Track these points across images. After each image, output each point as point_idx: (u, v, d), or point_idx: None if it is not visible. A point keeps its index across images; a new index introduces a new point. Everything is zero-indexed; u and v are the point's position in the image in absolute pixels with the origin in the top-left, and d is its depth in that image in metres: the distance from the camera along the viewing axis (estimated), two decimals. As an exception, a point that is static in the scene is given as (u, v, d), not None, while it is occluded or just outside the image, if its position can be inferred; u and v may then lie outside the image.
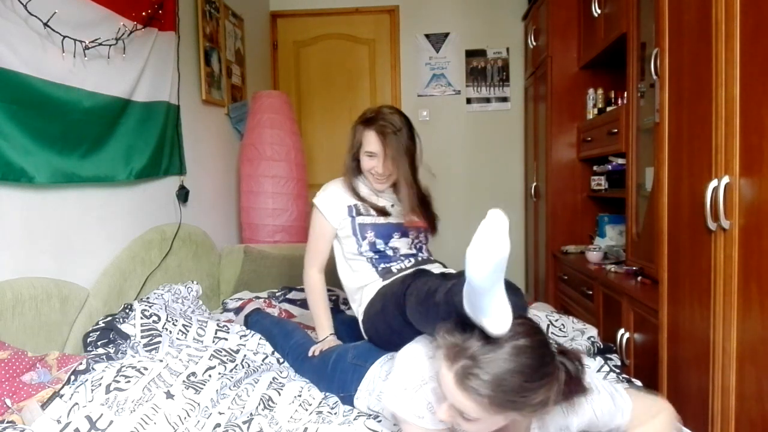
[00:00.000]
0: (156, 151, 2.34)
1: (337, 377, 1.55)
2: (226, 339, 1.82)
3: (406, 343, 1.30)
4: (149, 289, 2.14)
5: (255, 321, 2.01)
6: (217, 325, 1.87)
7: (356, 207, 1.80)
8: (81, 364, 1.43)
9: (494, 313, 0.95)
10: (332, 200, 1.83)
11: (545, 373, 0.96)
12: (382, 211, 1.79)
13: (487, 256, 0.93)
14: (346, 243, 1.81)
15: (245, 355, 1.65)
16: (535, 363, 0.95)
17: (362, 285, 1.77)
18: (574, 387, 1.00)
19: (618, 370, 1.68)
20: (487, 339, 0.96)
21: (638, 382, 1.58)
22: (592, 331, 1.98)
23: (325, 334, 1.78)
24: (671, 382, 1.72)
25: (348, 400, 1.50)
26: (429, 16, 4.26)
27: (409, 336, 1.32)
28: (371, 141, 1.76)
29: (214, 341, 1.80)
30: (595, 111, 3.04)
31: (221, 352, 1.59)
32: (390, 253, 1.79)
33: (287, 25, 4.37)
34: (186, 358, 1.50)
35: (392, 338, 1.49)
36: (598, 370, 1.63)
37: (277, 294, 2.60)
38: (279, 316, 2.28)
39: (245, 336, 1.84)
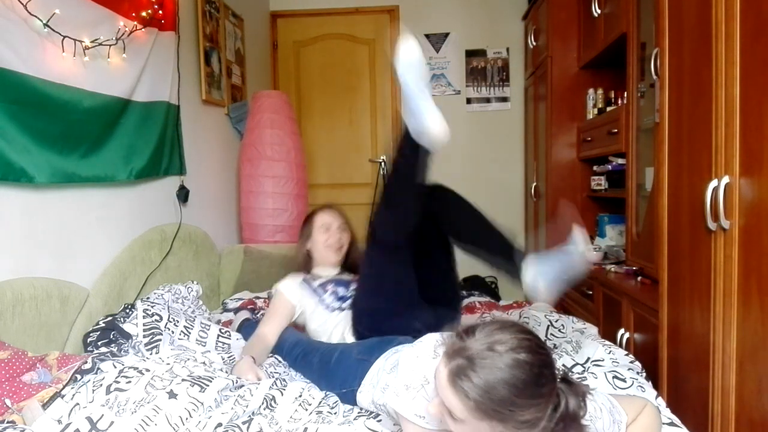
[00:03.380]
0: (156, 151, 2.34)
1: (341, 373, 1.55)
2: (229, 344, 1.82)
3: (401, 316, 1.54)
4: (149, 289, 2.14)
5: (246, 334, 1.98)
6: (219, 331, 1.88)
7: (306, 279, 2.02)
8: (86, 363, 1.43)
9: (428, 112, 1.35)
10: (292, 282, 2.02)
11: (538, 394, 0.94)
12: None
13: (406, 59, 1.40)
14: (311, 319, 1.94)
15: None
16: (530, 380, 0.93)
17: (329, 330, 1.89)
18: (569, 424, 0.97)
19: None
20: (488, 345, 0.95)
21: (651, 386, 1.56)
22: (593, 330, 1.98)
23: (247, 353, 1.68)
24: (671, 383, 1.72)
25: (350, 395, 1.50)
26: (429, 16, 4.26)
27: (401, 294, 1.62)
28: (326, 216, 2.09)
29: (216, 346, 1.80)
30: (595, 111, 3.04)
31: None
32: (350, 295, 1.94)
33: (287, 25, 4.37)
34: (200, 372, 1.47)
35: (385, 317, 1.66)
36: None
37: (277, 294, 2.60)
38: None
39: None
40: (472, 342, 0.97)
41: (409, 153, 1.54)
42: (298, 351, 1.75)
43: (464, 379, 0.93)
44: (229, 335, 1.87)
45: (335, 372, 1.57)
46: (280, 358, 1.78)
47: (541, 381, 0.95)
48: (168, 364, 1.46)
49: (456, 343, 0.98)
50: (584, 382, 1.38)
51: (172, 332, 1.76)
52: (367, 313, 1.76)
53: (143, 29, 2.20)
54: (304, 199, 3.27)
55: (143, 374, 1.37)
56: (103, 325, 1.76)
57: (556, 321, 2.02)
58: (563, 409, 0.97)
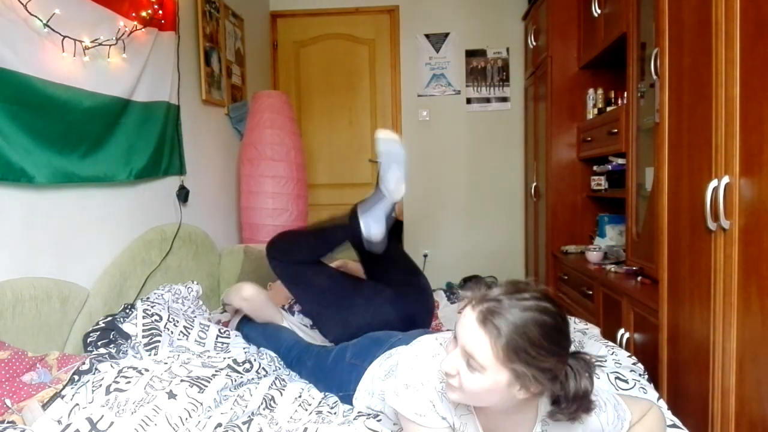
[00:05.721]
0: (156, 151, 2.34)
1: (336, 377, 1.55)
2: (228, 344, 1.81)
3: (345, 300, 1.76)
4: (149, 289, 2.14)
5: (244, 336, 1.97)
6: (219, 331, 1.88)
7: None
8: (84, 363, 1.43)
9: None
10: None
11: (562, 344, 0.97)
12: None
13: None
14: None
15: (260, 364, 1.66)
16: (556, 326, 0.96)
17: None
18: (579, 402, 0.99)
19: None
20: (514, 291, 0.98)
21: (653, 388, 1.56)
22: (595, 331, 1.98)
23: None
24: (671, 383, 1.72)
25: (347, 399, 1.50)
26: (429, 16, 4.26)
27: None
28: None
29: (215, 346, 1.80)
30: (595, 111, 3.04)
31: (237, 364, 1.58)
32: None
33: (287, 25, 4.37)
34: (199, 372, 1.48)
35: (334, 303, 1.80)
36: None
37: (277, 294, 2.60)
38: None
39: (247, 349, 1.83)
40: (498, 289, 0.99)
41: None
42: (294, 353, 1.75)
43: (496, 317, 0.95)
44: (229, 335, 1.87)
45: (330, 377, 1.57)
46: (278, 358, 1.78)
47: (564, 331, 0.98)
48: (166, 363, 1.45)
49: (482, 292, 1.00)
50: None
51: (171, 332, 1.76)
52: (318, 319, 1.88)
53: (143, 29, 2.20)
54: (304, 199, 3.27)
55: (142, 374, 1.37)
56: (103, 325, 1.75)
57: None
58: (574, 385, 0.98)
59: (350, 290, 1.87)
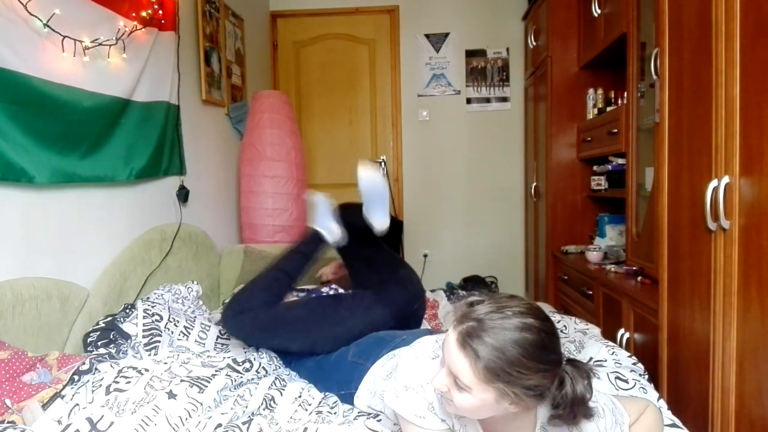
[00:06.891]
0: (156, 151, 2.34)
1: (337, 376, 1.55)
2: (227, 345, 1.81)
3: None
4: (149, 289, 2.14)
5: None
6: (219, 332, 1.87)
7: None
8: (84, 364, 1.43)
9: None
10: None
11: (546, 359, 0.95)
12: None
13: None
14: None
15: (260, 363, 1.65)
16: (538, 343, 0.95)
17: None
18: (577, 408, 0.99)
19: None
20: (497, 309, 0.97)
21: (653, 388, 1.55)
22: (596, 331, 1.98)
23: None
24: (671, 382, 1.72)
25: (348, 397, 1.50)
26: (429, 16, 4.26)
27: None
28: None
29: (215, 346, 1.80)
30: (595, 111, 3.04)
31: (237, 363, 1.57)
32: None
33: (287, 25, 4.37)
34: (199, 372, 1.47)
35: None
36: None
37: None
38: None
39: (247, 349, 1.83)
40: (480, 307, 0.99)
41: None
42: (293, 355, 1.74)
43: (474, 340, 0.94)
44: (229, 337, 1.87)
45: (331, 375, 1.56)
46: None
47: (548, 346, 0.96)
48: (166, 363, 1.45)
49: (465, 310, 1.00)
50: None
51: (172, 332, 1.76)
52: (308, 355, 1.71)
53: (143, 29, 2.20)
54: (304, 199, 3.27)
55: (142, 374, 1.37)
56: (103, 325, 1.76)
57: (557, 321, 2.02)
58: (571, 391, 0.97)
59: (331, 307, 1.79)
